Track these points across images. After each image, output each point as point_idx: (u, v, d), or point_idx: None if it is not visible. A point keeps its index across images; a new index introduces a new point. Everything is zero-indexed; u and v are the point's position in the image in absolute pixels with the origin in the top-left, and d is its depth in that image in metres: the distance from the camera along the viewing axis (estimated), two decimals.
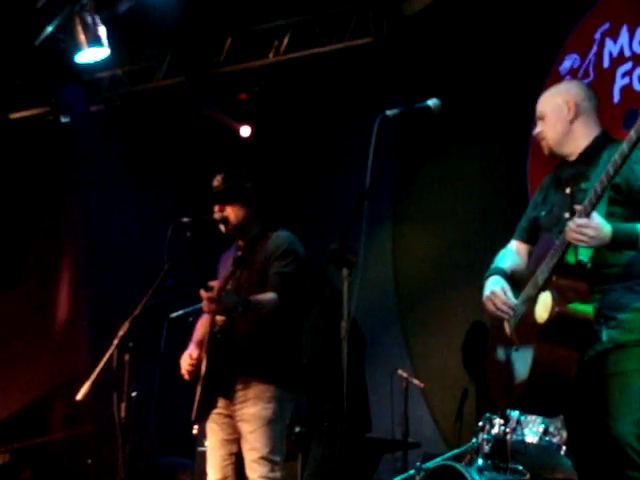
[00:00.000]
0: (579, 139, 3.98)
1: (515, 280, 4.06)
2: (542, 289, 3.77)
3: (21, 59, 8.65)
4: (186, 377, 4.82)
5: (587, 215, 3.60)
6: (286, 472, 4.88)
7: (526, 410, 5.23)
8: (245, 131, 9.17)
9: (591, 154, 3.93)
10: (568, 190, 3.94)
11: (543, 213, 4.06)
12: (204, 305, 4.60)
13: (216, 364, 4.67)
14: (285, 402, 4.80)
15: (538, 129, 4.07)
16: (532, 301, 3.82)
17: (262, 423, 4.69)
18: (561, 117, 4.00)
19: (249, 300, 4.64)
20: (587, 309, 3.69)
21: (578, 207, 3.65)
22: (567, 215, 3.88)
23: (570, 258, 3.71)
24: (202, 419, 4.86)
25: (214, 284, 4.61)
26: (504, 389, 4.01)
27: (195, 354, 4.80)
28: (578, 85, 4.20)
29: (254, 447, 4.69)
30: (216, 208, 4.91)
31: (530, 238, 4.17)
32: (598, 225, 3.60)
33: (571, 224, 3.62)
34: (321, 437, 6.20)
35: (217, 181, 4.95)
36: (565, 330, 3.68)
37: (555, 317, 3.65)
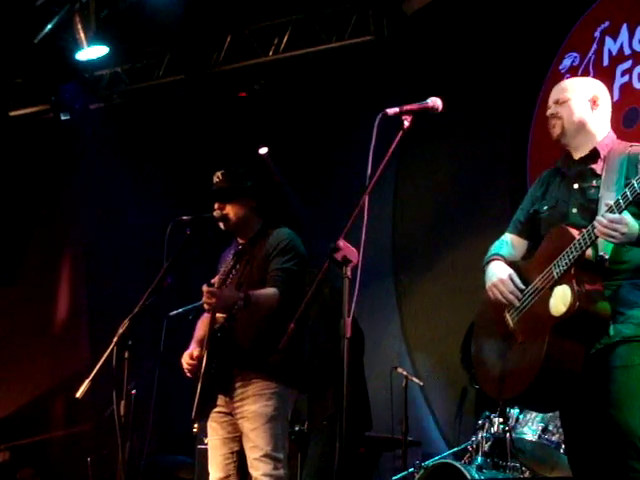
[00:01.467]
0: (592, 136, 3.97)
1: (513, 269, 4.00)
2: (558, 282, 3.74)
3: (21, 57, 8.66)
4: (188, 375, 4.81)
5: (619, 212, 3.59)
6: (289, 470, 4.86)
7: (525, 406, 5.22)
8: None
9: (601, 152, 3.92)
10: (576, 186, 3.93)
11: (545, 207, 4.03)
12: (204, 299, 4.60)
13: (216, 361, 4.67)
14: (286, 398, 4.78)
15: (554, 110, 4.02)
16: (545, 294, 3.79)
17: (264, 420, 4.67)
18: (584, 107, 3.98)
19: (249, 295, 4.64)
20: (606, 305, 3.70)
21: (609, 202, 3.63)
22: (575, 211, 3.88)
23: (591, 253, 3.70)
24: (202, 417, 4.85)
25: (215, 281, 4.62)
26: (498, 382, 3.97)
27: (196, 352, 4.79)
28: (603, 85, 4.16)
29: (256, 445, 4.67)
30: (216, 206, 4.90)
31: (526, 232, 4.14)
32: (630, 223, 3.59)
33: (602, 220, 3.60)
34: (320, 435, 6.19)
35: (217, 178, 4.94)
36: (582, 325, 3.67)
37: (576, 311, 3.63)
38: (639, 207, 3.72)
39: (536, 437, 5.54)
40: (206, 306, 4.68)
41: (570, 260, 3.72)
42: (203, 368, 4.63)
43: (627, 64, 6.78)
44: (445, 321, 7.68)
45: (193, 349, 4.84)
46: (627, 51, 6.79)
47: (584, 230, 3.70)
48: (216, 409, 4.79)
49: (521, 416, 5.65)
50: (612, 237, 3.60)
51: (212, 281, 4.64)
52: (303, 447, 6.30)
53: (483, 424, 5.83)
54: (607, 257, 3.70)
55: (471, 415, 6.72)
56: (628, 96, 6.72)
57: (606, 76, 6.85)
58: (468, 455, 5.95)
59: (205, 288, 4.58)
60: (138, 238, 9.01)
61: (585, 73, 7.00)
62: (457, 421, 6.79)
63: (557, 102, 4.02)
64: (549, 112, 4.04)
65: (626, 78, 6.77)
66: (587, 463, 3.84)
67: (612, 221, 3.58)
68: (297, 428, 6.31)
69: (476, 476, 5.46)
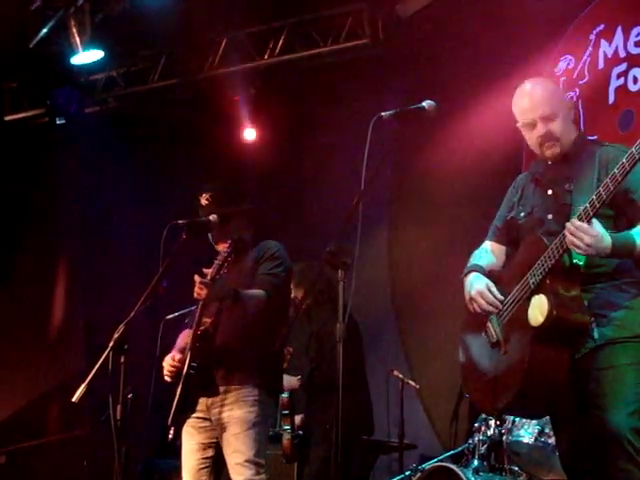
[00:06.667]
0: (573, 141, 3.94)
1: (491, 280, 4.00)
2: (535, 292, 3.73)
3: (16, 61, 8.65)
4: (167, 379, 4.84)
5: (588, 221, 3.55)
6: (284, 474, 4.90)
7: (514, 415, 5.24)
8: (250, 134, 9.08)
9: (573, 155, 3.90)
10: (550, 191, 3.91)
11: (522, 214, 4.01)
12: (196, 289, 4.62)
13: (198, 363, 4.69)
14: (268, 405, 4.86)
15: (545, 130, 3.85)
16: (523, 304, 3.78)
17: (247, 426, 4.72)
18: (570, 119, 3.93)
19: (238, 291, 4.71)
20: (583, 312, 3.68)
21: (581, 208, 3.58)
22: (550, 217, 3.86)
23: (565, 260, 3.67)
24: (179, 423, 4.86)
25: (208, 271, 4.66)
26: (486, 393, 3.96)
27: (178, 356, 4.82)
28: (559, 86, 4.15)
29: (239, 450, 4.71)
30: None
31: (505, 239, 4.13)
32: (598, 234, 3.54)
33: (570, 225, 3.57)
34: (323, 439, 6.19)
35: (206, 200, 4.99)
36: (561, 333, 3.66)
37: (554, 321, 3.62)
38: (609, 207, 3.68)
39: (532, 440, 5.54)
40: (196, 296, 4.70)
41: (545, 269, 3.70)
42: (185, 370, 4.65)
43: (622, 67, 6.78)
44: (442, 324, 7.67)
45: (174, 353, 4.88)
46: (622, 54, 6.80)
47: (556, 238, 3.67)
48: (195, 414, 4.82)
49: (517, 419, 5.65)
50: (577, 246, 3.55)
51: (205, 271, 4.67)
52: (303, 451, 6.31)
53: (479, 427, 5.83)
54: (581, 264, 3.67)
55: (467, 418, 6.71)
56: (623, 99, 6.73)
57: (601, 79, 6.87)
58: (464, 458, 5.95)
59: (197, 279, 4.63)
60: (134, 242, 9.00)
61: (580, 76, 7.01)
62: (453, 424, 6.78)
63: (548, 119, 3.86)
64: (540, 133, 3.87)
65: (621, 81, 6.77)
66: (579, 465, 3.84)
67: (578, 228, 3.54)
68: (300, 432, 6.32)
69: (472, 479, 5.46)
